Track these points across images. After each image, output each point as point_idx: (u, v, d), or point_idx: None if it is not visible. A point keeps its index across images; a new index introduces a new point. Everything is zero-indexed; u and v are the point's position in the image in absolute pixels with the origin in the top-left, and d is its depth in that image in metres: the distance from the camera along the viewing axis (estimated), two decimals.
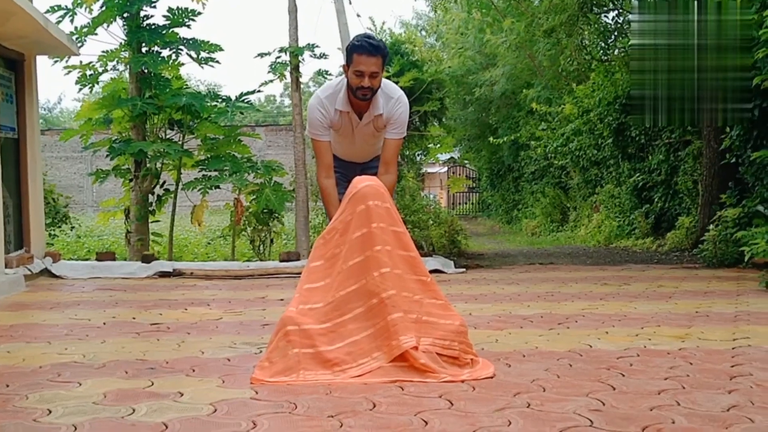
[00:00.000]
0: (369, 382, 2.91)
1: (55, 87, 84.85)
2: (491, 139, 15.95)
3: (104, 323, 4.60)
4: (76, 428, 2.36)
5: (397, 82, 9.88)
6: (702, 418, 2.45)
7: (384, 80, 3.71)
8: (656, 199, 12.03)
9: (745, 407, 2.59)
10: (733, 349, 3.67)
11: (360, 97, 3.60)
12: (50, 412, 2.54)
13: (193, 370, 3.19)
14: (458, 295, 5.99)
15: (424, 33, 29.43)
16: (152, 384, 2.95)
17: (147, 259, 7.86)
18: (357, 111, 3.71)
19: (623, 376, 3.08)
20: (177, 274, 7.62)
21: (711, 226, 8.79)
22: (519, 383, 2.94)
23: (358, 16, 37.52)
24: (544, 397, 2.72)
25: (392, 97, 3.68)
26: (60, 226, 9.23)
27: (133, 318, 4.81)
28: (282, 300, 5.80)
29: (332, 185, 3.76)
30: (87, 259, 9.25)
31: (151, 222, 9.05)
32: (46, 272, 7.45)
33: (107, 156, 8.55)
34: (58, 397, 2.75)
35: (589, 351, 3.62)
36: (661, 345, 3.79)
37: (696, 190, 10.64)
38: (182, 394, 2.77)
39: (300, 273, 3.17)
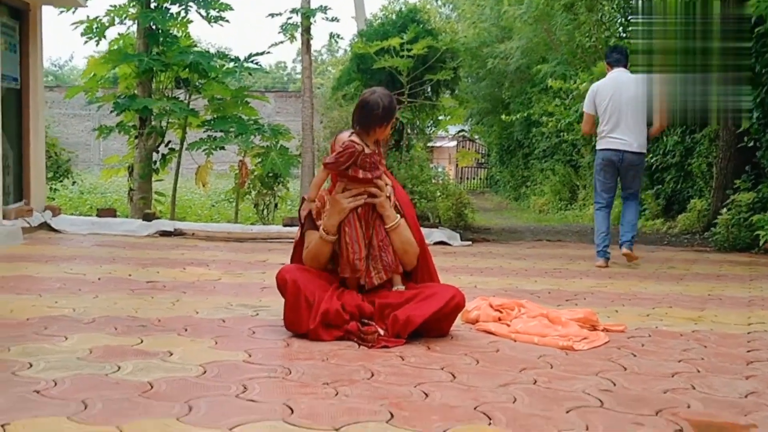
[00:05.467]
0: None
1: (67, 44, 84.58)
2: (503, 116, 15.70)
3: (99, 278, 4.48)
4: (56, 384, 2.23)
5: (410, 50, 9.66)
6: (719, 404, 2.31)
7: None
8: (668, 181, 11.80)
9: (764, 394, 2.44)
10: (748, 333, 3.52)
11: None
12: (31, 365, 2.42)
13: (186, 330, 3.06)
14: (463, 268, 5.84)
15: (439, 2, 29.02)
16: (141, 342, 2.82)
17: (148, 217, 7.74)
18: None
19: (635, 356, 2.94)
20: (178, 233, 7.50)
21: (724, 210, 8.60)
22: (525, 359, 2.80)
23: None
24: (552, 375, 2.58)
25: None
26: (61, 180, 9.09)
27: (129, 275, 4.69)
28: (284, 263, 5.66)
29: None
30: (88, 215, 9.13)
31: (155, 181, 8.91)
32: (46, 226, 7.34)
33: (112, 112, 8.38)
34: (41, 350, 2.63)
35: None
36: (674, 326, 3.64)
37: (710, 173, 10.41)
38: (172, 354, 2.64)
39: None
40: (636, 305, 4.28)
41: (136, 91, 8.74)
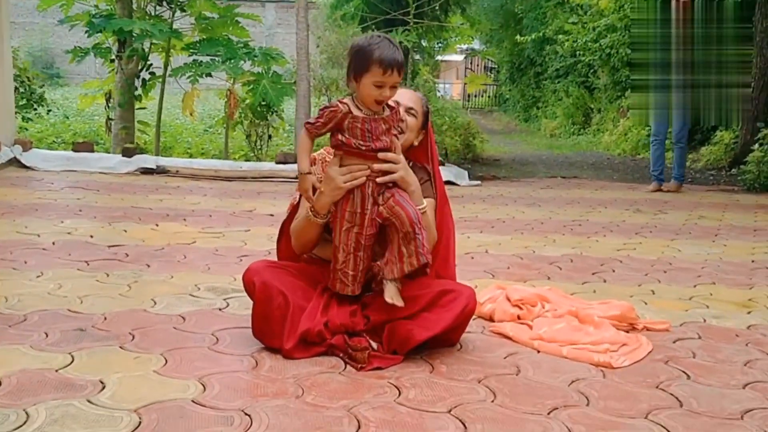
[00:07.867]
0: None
1: None
2: (517, 38, 14.68)
3: (53, 242, 3.89)
4: None
5: None
6: None
7: None
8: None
9: None
10: None
11: None
12: None
13: (132, 338, 2.48)
14: (473, 220, 5.24)
15: None
16: (71, 362, 2.24)
17: (128, 152, 7.09)
18: None
19: (688, 377, 2.36)
20: (161, 171, 6.88)
21: (756, 146, 7.91)
22: (554, 387, 2.22)
23: None
24: (590, 420, 2.01)
25: None
26: (36, 109, 8.36)
27: (91, 236, 4.10)
28: (272, 216, 5.08)
29: None
30: (71, 143, 8.48)
31: (137, 109, 8.21)
32: (16, 162, 6.72)
33: (86, 32, 7.60)
34: None
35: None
36: (724, 318, 3.06)
37: None
38: (103, 387, 2.06)
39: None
40: (674, 281, 3.69)
41: (115, 7, 7.93)
